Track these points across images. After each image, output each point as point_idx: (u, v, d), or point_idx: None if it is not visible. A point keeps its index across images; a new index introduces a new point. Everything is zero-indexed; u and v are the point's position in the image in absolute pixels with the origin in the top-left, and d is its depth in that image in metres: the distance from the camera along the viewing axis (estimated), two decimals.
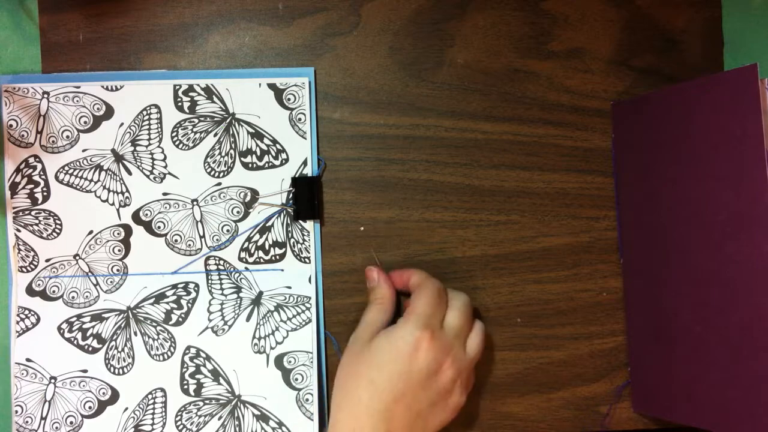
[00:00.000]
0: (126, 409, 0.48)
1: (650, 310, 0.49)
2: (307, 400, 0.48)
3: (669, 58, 0.53)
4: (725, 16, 0.53)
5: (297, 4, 0.51)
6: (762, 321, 0.39)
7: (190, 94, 0.49)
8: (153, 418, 0.48)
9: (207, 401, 0.48)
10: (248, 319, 0.49)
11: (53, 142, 0.49)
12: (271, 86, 0.49)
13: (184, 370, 0.48)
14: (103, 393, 0.48)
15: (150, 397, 0.48)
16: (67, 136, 0.49)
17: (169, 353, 0.48)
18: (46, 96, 0.49)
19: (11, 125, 0.48)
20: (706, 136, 0.43)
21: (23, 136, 0.49)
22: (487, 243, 0.51)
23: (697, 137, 0.43)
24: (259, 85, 0.49)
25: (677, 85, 0.46)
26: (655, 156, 0.47)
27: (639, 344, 0.50)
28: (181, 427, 0.48)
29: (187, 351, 0.49)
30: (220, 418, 0.48)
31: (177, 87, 0.49)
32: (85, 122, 0.49)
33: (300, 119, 0.49)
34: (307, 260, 0.50)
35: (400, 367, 0.43)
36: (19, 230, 0.49)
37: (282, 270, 0.49)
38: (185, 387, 0.48)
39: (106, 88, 0.49)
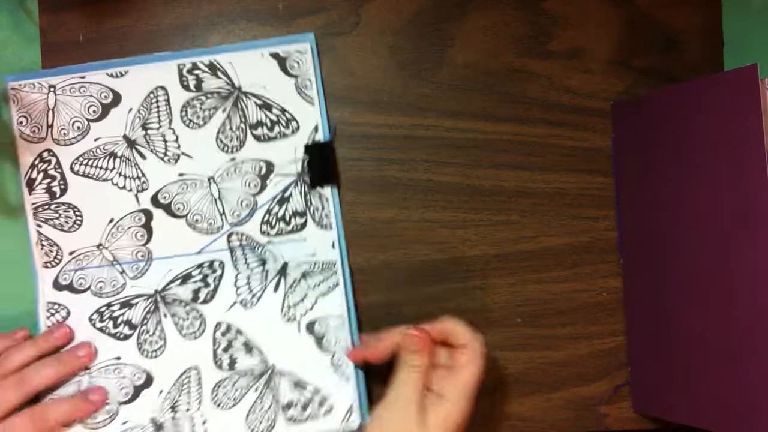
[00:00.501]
0: (161, 391, 0.48)
1: (650, 310, 0.49)
2: (342, 363, 0.48)
3: (669, 58, 0.53)
4: (725, 16, 0.53)
5: (297, 4, 0.51)
6: (762, 321, 0.39)
7: (195, 72, 0.49)
8: (189, 397, 0.48)
9: (242, 374, 0.48)
10: (276, 289, 0.49)
11: (65, 134, 0.49)
12: (274, 55, 0.49)
13: (216, 346, 0.48)
14: (138, 377, 0.48)
15: (184, 376, 0.48)
16: (78, 127, 0.49)
17: (200, 331, 0.49)
18: (52, 89, 0.49)
19: (21, 122, 0.49)
20: (706, 136, 0.43)
21: (34, 131, 0.49)
22: (487, 243, 0.51)
23: (697, 137, 0.43)
24: (262, 55, 0.49)
25: (677, 85, 0.46)
26: (655, 156, 0.47)
27: (639, 344, 0.50)
28: (218, 402, 0.48)
29: (218, 327, 0.49)
30: (256, 390, 0.48)
31: (181, 66, 0.49)
32: (94, 111, 0.49)
33: (306, 85, 0.49)
34: (328, 226, 0.49)
35: None
36: (40, 226, 0.49)
37: (305, 239, 0.49)
38: (219, 363, 0.48)
39: (111, 75, 0.49)
